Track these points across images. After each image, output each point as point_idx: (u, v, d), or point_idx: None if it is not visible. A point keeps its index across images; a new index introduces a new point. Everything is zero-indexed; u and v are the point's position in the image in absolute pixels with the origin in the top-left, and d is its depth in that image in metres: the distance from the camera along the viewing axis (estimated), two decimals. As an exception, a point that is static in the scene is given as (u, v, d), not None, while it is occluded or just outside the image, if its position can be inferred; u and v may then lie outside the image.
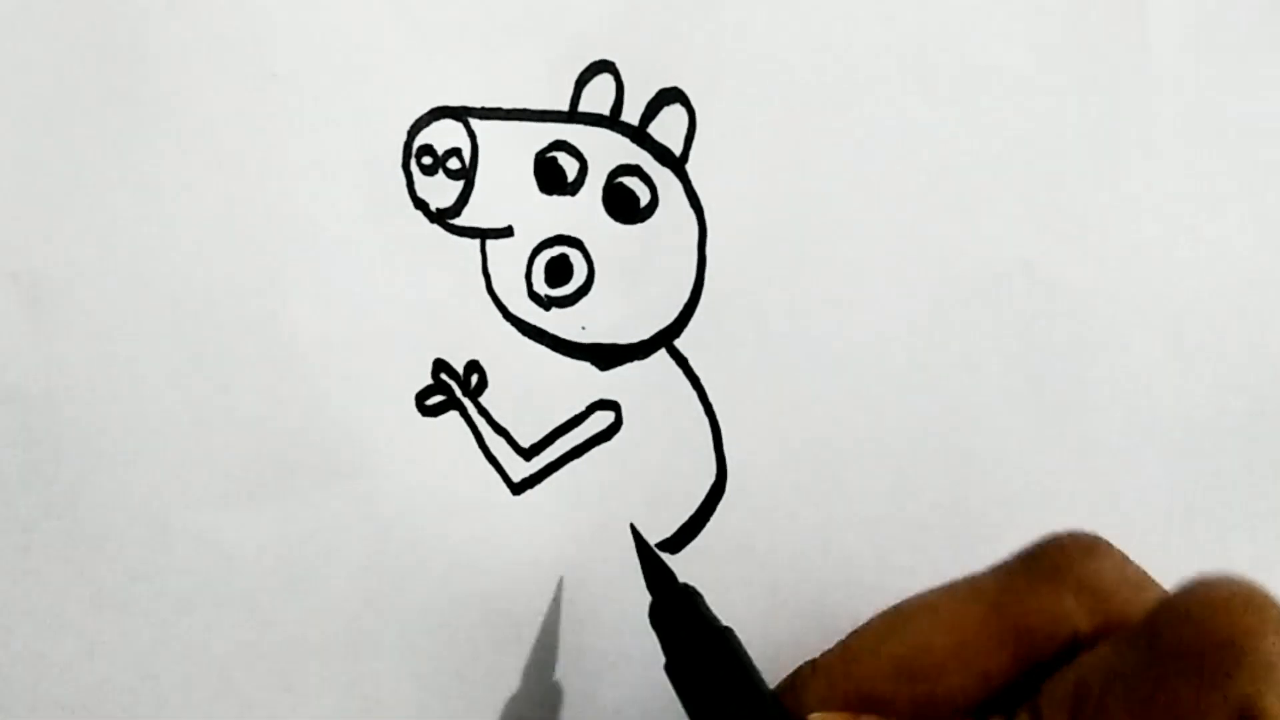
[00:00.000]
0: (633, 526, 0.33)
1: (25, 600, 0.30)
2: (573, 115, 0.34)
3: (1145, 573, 0.29)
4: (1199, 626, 0.25)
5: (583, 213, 0.34)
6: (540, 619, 0.34)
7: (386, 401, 0.33)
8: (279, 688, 0.32)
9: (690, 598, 0.31)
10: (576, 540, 0.34)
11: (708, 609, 0.31)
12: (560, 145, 0.34)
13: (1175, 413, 0.37)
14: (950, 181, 0.36)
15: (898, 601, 0.29)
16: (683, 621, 0.30)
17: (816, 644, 0.34)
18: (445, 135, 0.33)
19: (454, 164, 0.33)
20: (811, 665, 0.29)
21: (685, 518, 0.35)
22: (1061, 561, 0.28)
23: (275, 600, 0.32)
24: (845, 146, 0.35)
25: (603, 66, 0.34)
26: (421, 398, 0.33)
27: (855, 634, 0.30)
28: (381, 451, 0.33)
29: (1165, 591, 0.28)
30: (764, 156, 0.35)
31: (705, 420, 0.35)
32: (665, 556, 0.34)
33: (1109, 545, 0.29)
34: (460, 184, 0.33)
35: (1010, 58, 0.36)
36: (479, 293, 0.34)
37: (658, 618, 0.31)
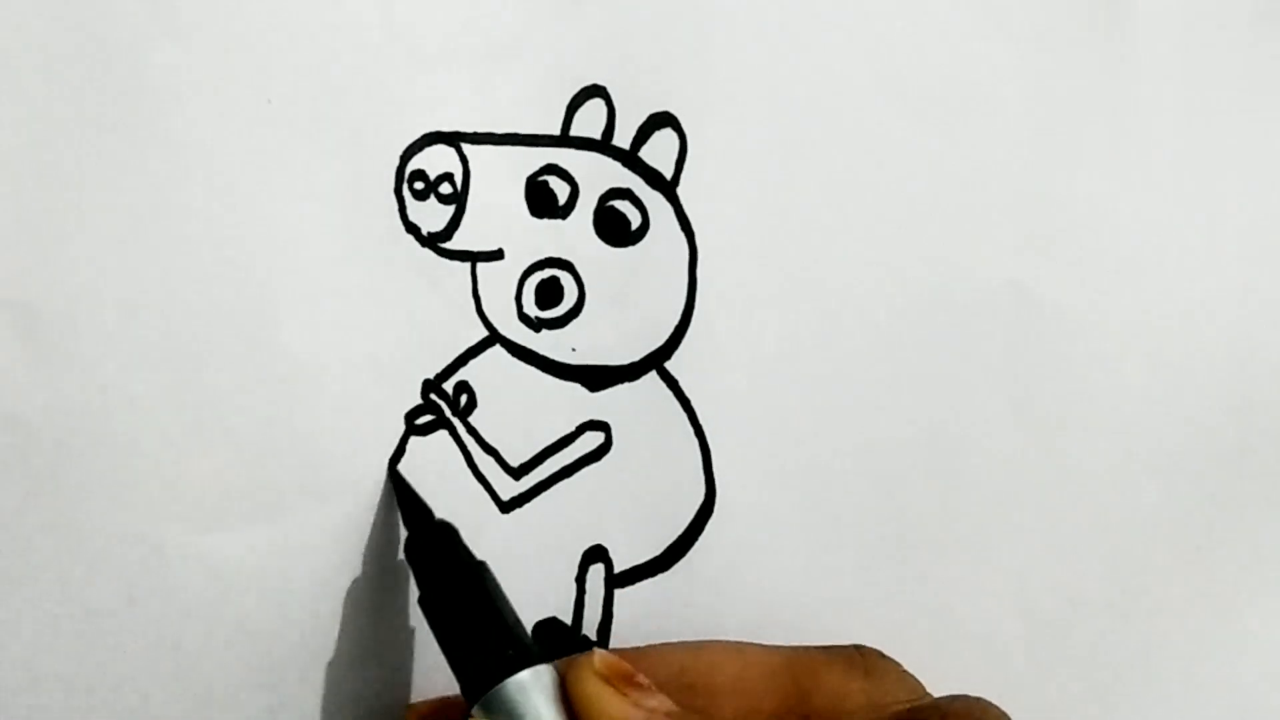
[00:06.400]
0: (392, 464, 0.33)
1: (22, 620, 0.31)
2: (564, 139, 0.34)
3: (921, 685, 0.32)
4: None
5: (573, 236, 0.34)
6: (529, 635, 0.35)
7: (377, 421, 0.33)
8: (272, 705, 0.33)
9: (448, 533, 0.32)
10: (565, 558, 0.35)
11: (464, 545, 0.32)
12: (551, 169, 0.34)
13: (1162, 431, 0.37)
14: (938, 203, 0.36)
15: None
16: (438, 557, 0.31)
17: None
18: (437, 160, 0.33)
19: (445, 188, 0.33)
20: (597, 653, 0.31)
21: (674, 537, 0.35)
22: (856, 657, 0.32)
23: (269, 618, 0.32)
24: (835, 169, 0.35)
25: (594, 91, 0.34)
26: (411, 417, 0.34)
27: (653, 646, 0.32)
28: (373, 471, 0.33)
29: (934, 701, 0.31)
30: (755, 180, 0.35)
31: (695, 441, 0.35)
32: (652, 580, 0.34)
33: (897, 661, 0.32)
34: (451, 208, 0.33)
35: (999, 80, 0.36)
36: (469, 315, 0.34)
37: (413, 553, 0.32)
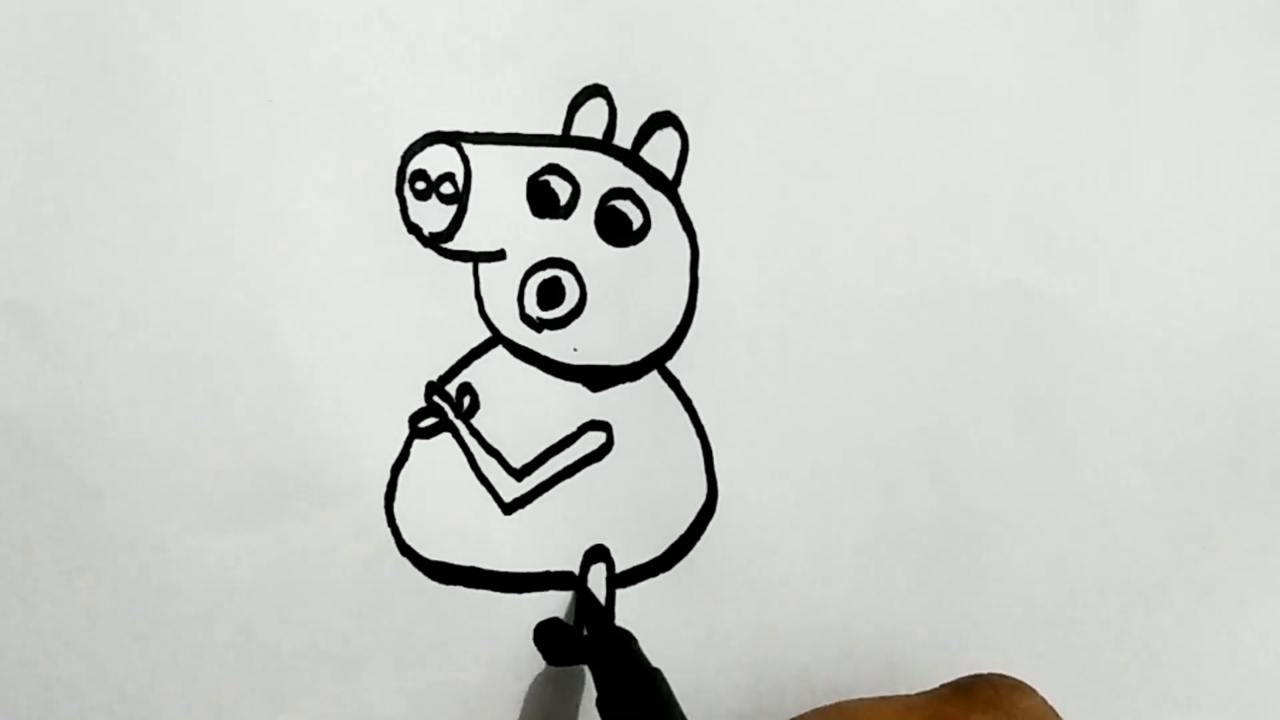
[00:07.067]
0: (576, 576, 0.34)
1: (25, 621, 0.31)
2: (565, 139, 0.34)
3: (1058, 717, 0.31)
4: None
5: (575, 235, 0.34)
6: (530, 636, 0.35)
7: (380, 424, 0.33)
8: (273, 707, 0.33)
9: (625, 640, 0.33)
10: (567, 559, 0.35)
11: (640, 652, 0.32)
12: (553, 169, 0.34)
13: (1163, 430, 0.37)
14: (940, 203, 0.36)
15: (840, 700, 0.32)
16: (616, 661, 0.32)
17: (805, 662, 0.34)
18: (439, 160, 0.33)
19: (447, 188, 0.33)
20: None
21: (675, 537, 0.35)
22: (993, 696, 0.31)
23: (270, 620, 0.32)
24: (836, 169, 0.35)
25: (595, 91, 0.34)
26: (415, 420, 0.34)
27: None
28: (375, 473, 0.33)
29: None
30: (756, 179, 0.35)
31: (696, 441, 0.35)
32: (654, 580, 0.34)
33: (1033, 689, 0.32)
34: (453, 208, 0.33)
35: (1001, 80, 0.36)
36: (471, 315, 0.34)
37: (593, 657, 0.33)
